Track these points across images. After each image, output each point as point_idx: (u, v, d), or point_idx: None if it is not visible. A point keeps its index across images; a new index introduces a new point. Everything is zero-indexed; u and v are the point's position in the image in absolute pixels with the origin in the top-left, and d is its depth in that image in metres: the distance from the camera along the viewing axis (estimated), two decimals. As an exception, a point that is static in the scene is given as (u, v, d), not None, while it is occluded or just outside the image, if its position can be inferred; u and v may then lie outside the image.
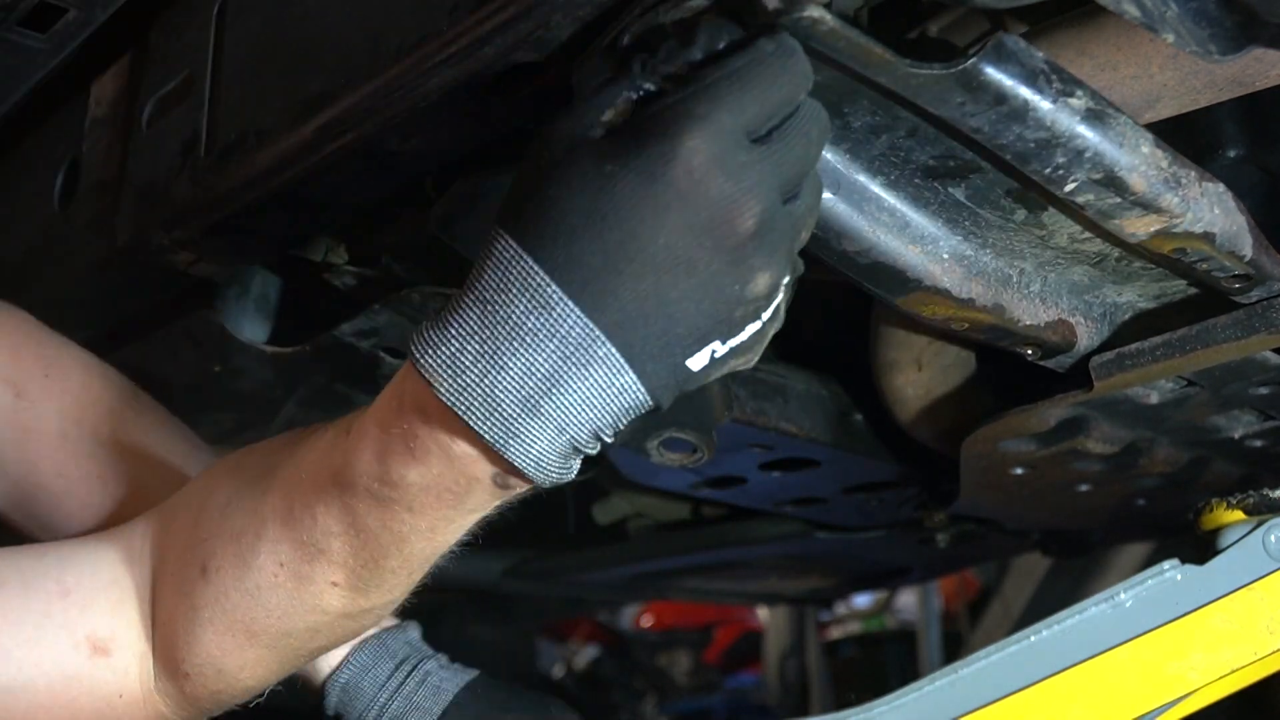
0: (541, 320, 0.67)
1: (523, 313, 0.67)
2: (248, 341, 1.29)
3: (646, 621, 6.43)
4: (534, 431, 0.70)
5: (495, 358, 0.68)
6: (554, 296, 0.67)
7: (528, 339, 0.67)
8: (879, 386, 1.38)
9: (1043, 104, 0.78)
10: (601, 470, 1.65)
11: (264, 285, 1.36)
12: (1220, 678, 1.06)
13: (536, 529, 2.40)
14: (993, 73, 0.76)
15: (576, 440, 0.71)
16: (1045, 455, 1.32)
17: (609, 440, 0.72)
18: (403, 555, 0.83)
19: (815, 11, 0.70)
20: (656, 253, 0.66)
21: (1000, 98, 0.77)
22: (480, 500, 0.78)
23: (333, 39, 0.96)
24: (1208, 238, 0.90)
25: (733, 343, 0.71)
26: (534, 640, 4.00)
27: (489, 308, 0.68)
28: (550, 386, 0.68)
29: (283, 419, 1.46)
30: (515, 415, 0.69)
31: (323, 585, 0.85)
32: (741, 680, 6.25)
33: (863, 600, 5.53)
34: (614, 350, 0.68)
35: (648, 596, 4.26)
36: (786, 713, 5.19)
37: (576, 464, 0.74)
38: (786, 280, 0.72)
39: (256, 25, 1.06)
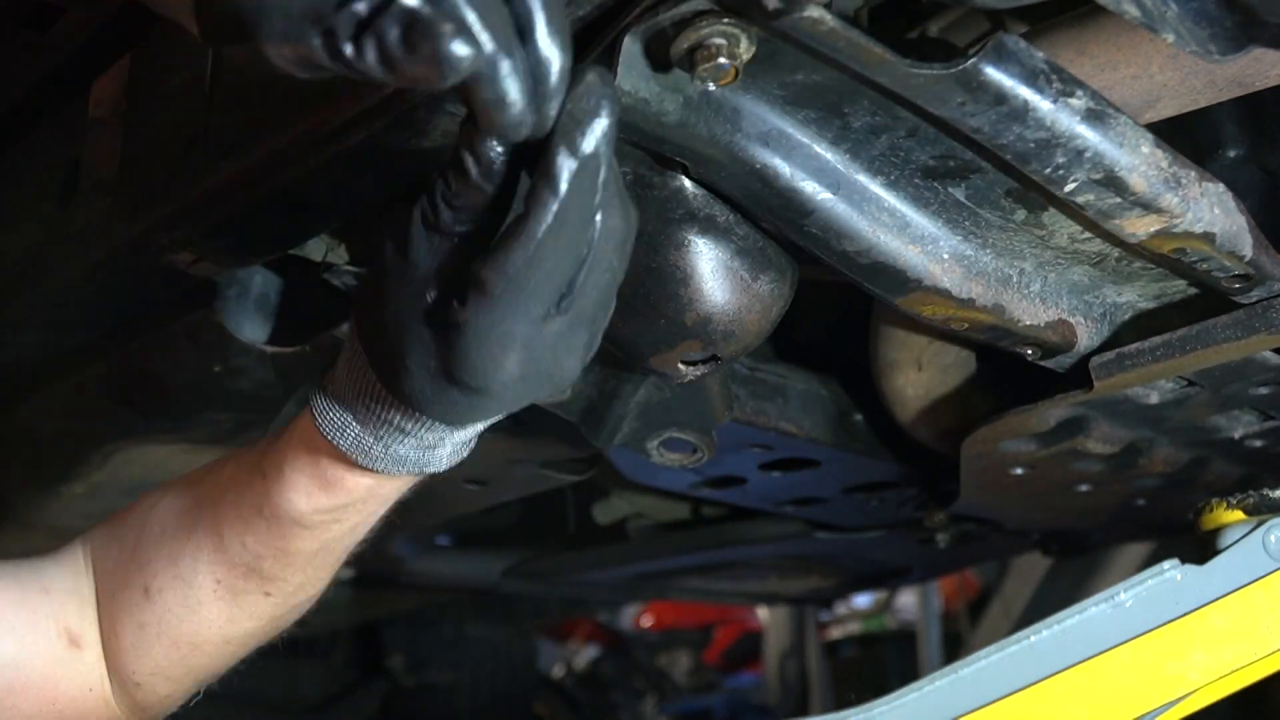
0: (408, 429, 0.83)
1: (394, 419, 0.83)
2: (248, 341, 1.29)
3: (646, 621, 6.43)
4: (438, 457, 0.86)
5: (389, 436, 0.84)
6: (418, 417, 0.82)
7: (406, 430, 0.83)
8: (879, 386, 1.38)
9: (1043, 104, 0.78)
10: (601, 470, 1.65)
11: (264, 285, 1.36)
12: (1220, 678, 1.06)
13: (536, 529, 2.40)
14: (993, 73, 0.76)
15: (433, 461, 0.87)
16: (1045, 455, 1.32)
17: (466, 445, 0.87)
18: (328, 554, 0.96)
19: (815, 11, 0.70)
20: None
21: (1000, 98, 0.77)
22: (399, 490, 0.92)
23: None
24: (1208, 238, 0.90)
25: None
26: (534, 640, 4.00)
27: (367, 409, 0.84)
28: (401, 437, 0.84)
29: (283, 419, 1.46)
30: (418, 459, 0.85)
31: (257, 596, 0.96)
32: (741, 680, 6.25)
33: (863, 600, 5.53)
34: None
35: (648, 596, 4.27)
36: (786, 713, 5.19)
37: (452, 450, 0.87)
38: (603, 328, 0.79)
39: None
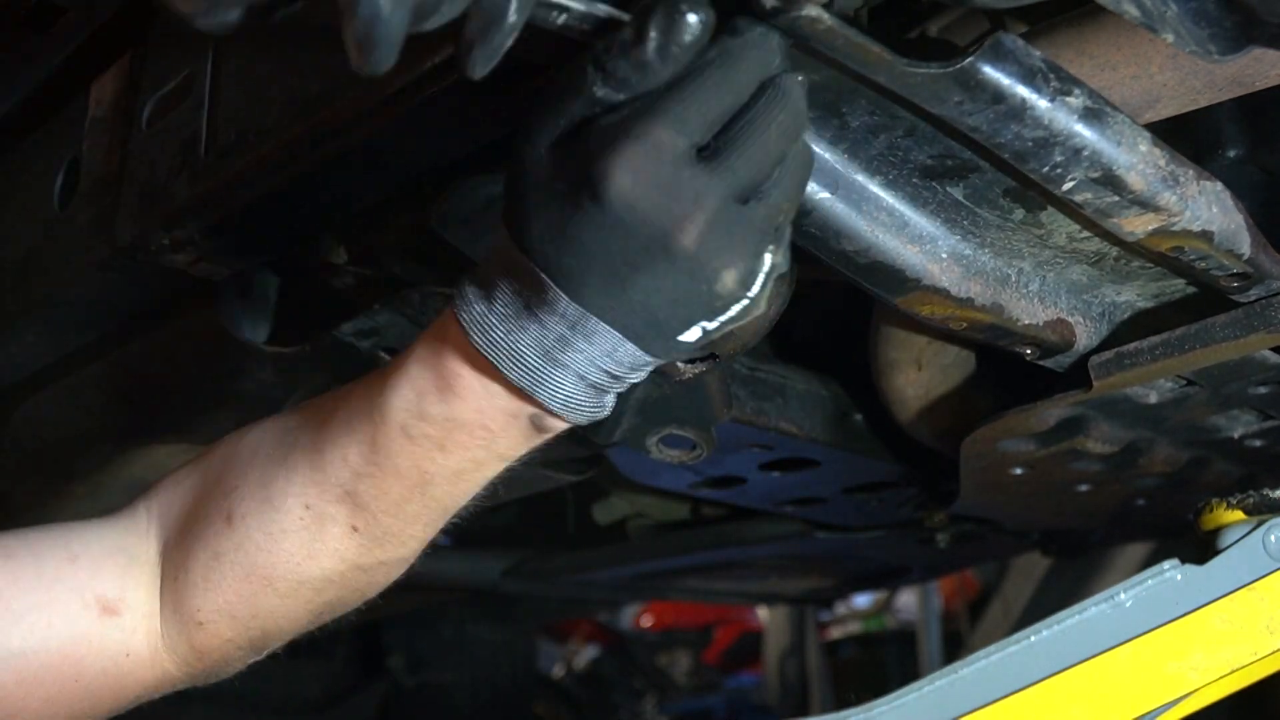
0: (544, 303, 0.75)
1: (529, 296, 0.75)
2: (248, 341, 1.29)
3: (646, 621, 6.43)
4: (556, 377, 0.78)
5: (516, 320, 0.76)
6: (549, 287, 0.74)
7: (537, 314, 0.75)
8: (879, 386, 1.38)
9: (1040, 102, 0.78)
10: (601, 470, 1.65)
11: (264, 285, 1.36)
12: (1220, 678, 1.06)
13: (536, 529, 2.40)
14: (990, 71, 0.76)
15: (598, 383, 0.79)
16: (1045, 455, 1.33)
17: (631, 379, 0.80)
18: (425, 499, 0.88)
19: (813, 10, 0.70)
20: (614, 264, 0.72)
21: (998, 96, 0.77)
22: (512, 442, 0.85)
23: (332, 39, 0.96)
24: (1205, 236, 0.90)
25: (721, 319, 0.76)
26: (534, 640, 4.00)
27: (503, 287, 0.77)
28: (563, 347, 0.76)
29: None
30: (537, 365, 0.77)
31: (344, 529, 0.90)
32: (741, 680, 6.25)
33: (863, 600, 5.53)
34: (609, 327, 0.75)
35: (648, 596, 4.27)
36: (786, 713, 5.19)
37: (610, 399, 0.81)
38: (764, 268, 0.75)
39: (256, 25, 1.06)
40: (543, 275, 0.74)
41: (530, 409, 0.81)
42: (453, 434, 0.84)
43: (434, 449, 0.85)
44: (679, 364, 0.97)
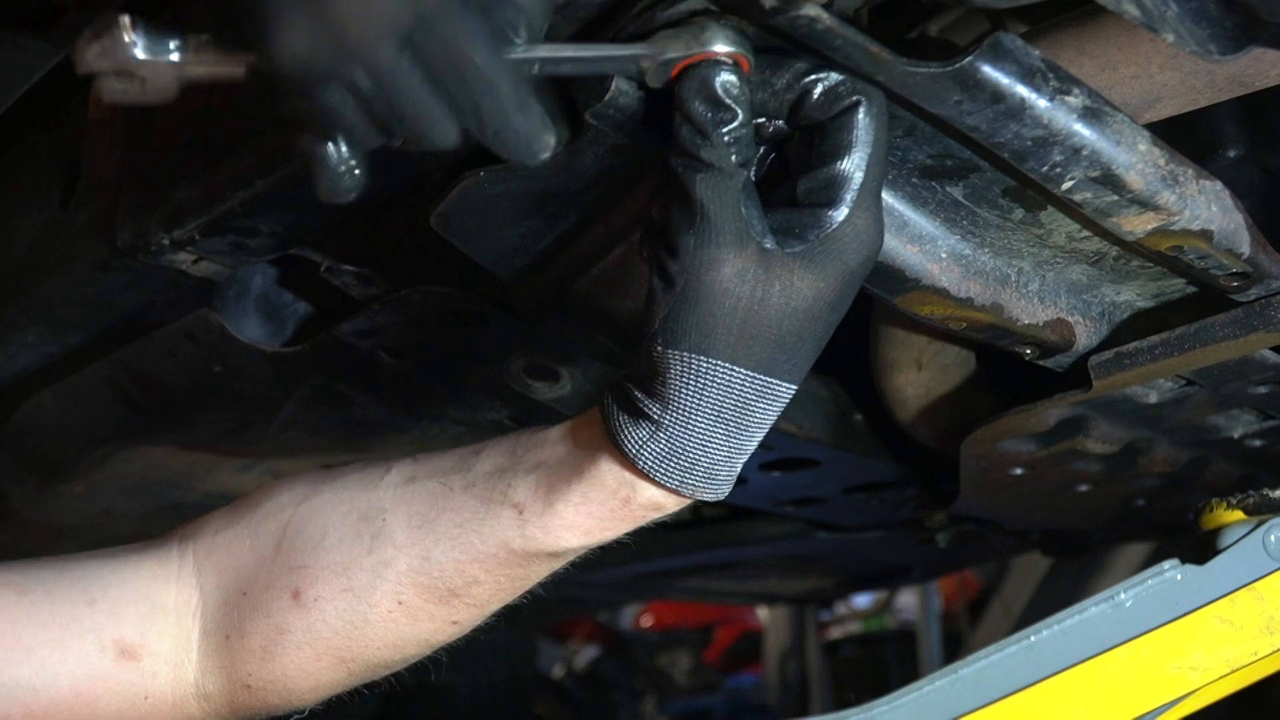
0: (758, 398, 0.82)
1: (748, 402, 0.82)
2: (248, 341, 1.29)
3: (646, 621, 6.43)
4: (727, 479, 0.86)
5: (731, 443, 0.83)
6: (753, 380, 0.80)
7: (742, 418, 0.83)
8: (879, 386, 1.38)
9: (1039, 102, 0.78)
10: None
11: (264, 285, 1.36)
12: (1220, 678, 1.06)
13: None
14: (989, 71, 0.76)
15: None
16: (1045, 455, 1.32)
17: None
18: (532, 584, 0.93)
19: (812, 10, 0.70)
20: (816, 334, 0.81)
21: (997, 96, 0.77)
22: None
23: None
24: (1205, 235, 0.90)
25: None
26: (534, 640, 4.00)
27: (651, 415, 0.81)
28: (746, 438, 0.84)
29: (283, 419, 1.46)
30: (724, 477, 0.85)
31: (442, 624, 0.92)
32: (741, 680, 6.25)
33: (863, 600, 5.53)
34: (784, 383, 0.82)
35: (648, 596, 4.26)
36: (786, 713, 5.19)
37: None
38: None
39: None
40: (753, 376, 0.80)
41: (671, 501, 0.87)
42: (584, 548, 0.90)
43: (571, 555, 0.91)
44: None
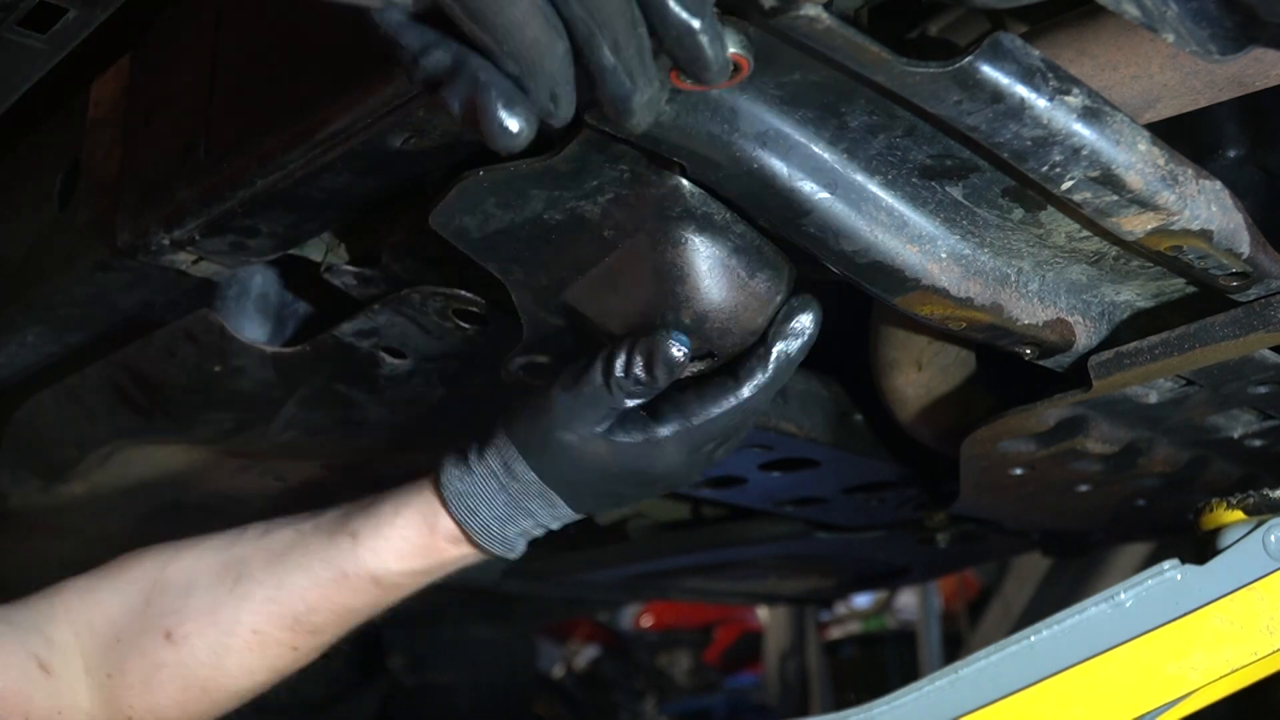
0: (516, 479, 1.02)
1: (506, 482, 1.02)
2: (248, 341, 1.29)
3: (646, 621, 6.43)
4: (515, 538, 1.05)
5: (492, 498, 1.03)
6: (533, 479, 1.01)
7: (509, 491, 1.02)
8: (879, 386, 1.38)
9: (1039, 101, 0.78)
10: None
11: (264, 285, 1.36)
12: (1220, 678, 1.06)
13: (536, 529, 2.39)
14: (989, 70, 0.76)
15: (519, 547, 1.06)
16: (1044, 455, 1.32)
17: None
18: (363, 621, 1.09)
19: (812, 10, 0.70)
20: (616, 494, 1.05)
21: (996, 95, 0.77)
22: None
23: (332, 39, 0.96)
24: (1205, 235, 0.90)
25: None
26: (534, 640, 4.00)
27: (483, 473, 1.02)
28: (521, 524, 1.04)
29: (283, 419, 1.46)
30: (508, 535, 1.04)
31: (286, 649, 1.07)
32: (741, 680, 6.25)
33: (863, 600, 5.53)
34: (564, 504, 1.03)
35: (648, 596, 4.26)
36: (786, 713, 5.19)
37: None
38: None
39: (256, 25, 1.06)
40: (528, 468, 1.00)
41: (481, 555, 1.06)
42: (425, 577, 1.07)
43: (402, 587, 1.07)
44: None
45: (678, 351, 0.93)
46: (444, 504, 1.03)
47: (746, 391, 0.97)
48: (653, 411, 0.99)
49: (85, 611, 1.09)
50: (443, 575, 1.08)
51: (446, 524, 1.03)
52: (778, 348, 0.97)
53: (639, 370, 0.95)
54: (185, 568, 1.09)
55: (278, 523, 1.10)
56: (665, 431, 0.98)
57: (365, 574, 1.05)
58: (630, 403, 0.97)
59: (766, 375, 0.97)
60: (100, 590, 1.10)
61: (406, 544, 1.04)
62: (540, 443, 0.99)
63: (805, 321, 0.98)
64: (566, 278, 0.99)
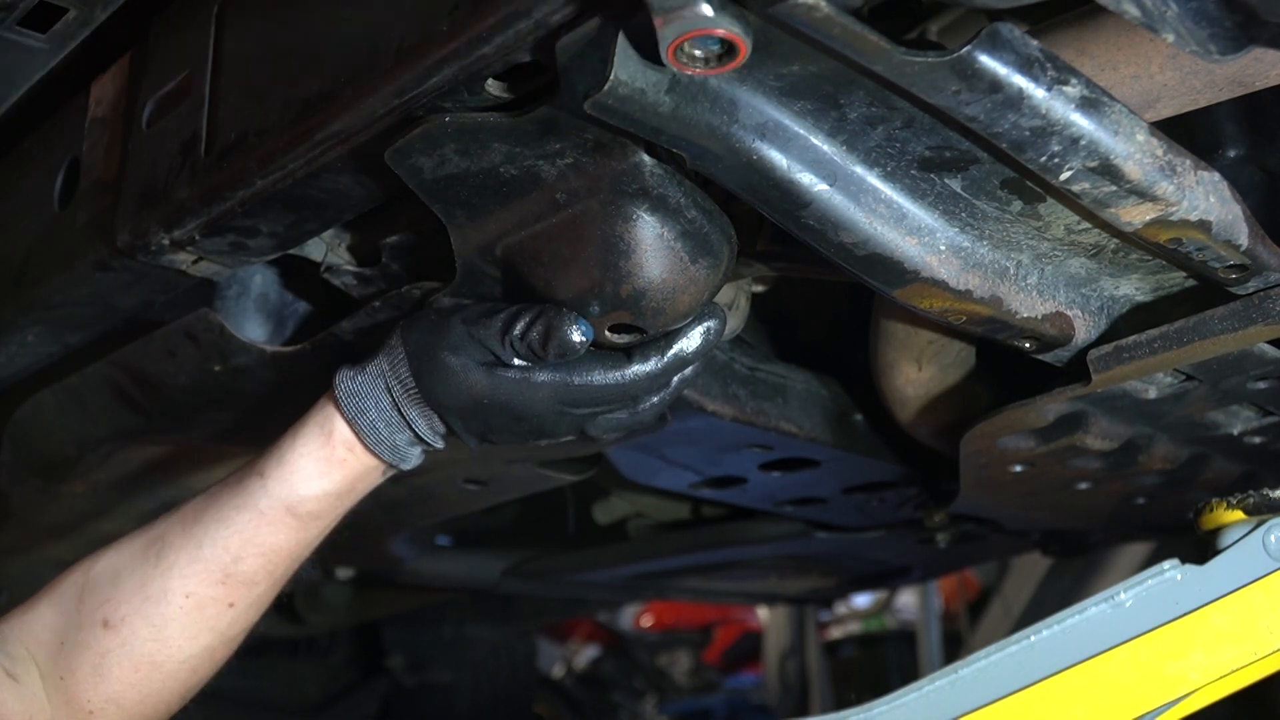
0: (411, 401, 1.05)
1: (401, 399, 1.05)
2: (248, 341, 1.29)
3: (646, 621, 6.43)
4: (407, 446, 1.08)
5: (387, 412, 1.06)
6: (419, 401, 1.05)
7: (401, 410, 1.05)
8: (879, 386, 1.38)
9: (1037, 91, 0.78)
10: (601, 470, 1.65)
11: (264, 285, 1.36)
12: (1220, 678, 1.06)
13: (536, 529, 2.40)
14: (987, 60, 0.76)
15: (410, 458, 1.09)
16: (1044, 452, 1.33)
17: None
18: (292, 565, 1.11)
19: None
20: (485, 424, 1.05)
21: (995, 85, 0.77)
22: (367, 488, 1.10)
23: (332, 38, 0.96)
24: (1203, 226, 0.90)
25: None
26: (534, 640, 4.00)
27: (380, 394, 1.06)
28: (404, 432, 1.07)
29: (283, 419, 1.46)
30: (403, 452, 1.08)
31: (221, 607, 1.09)
32: (741, 680, 6.26)
33: (863, 600, 5.53)
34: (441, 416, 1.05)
35: (648, 596, 4.27)
36: (786, 713, 5.19)
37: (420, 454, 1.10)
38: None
39: (256, 25, 1.06)
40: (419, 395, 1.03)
41: (387, 469, 1.09)
42: (338, 499, 1.08)
43: (319, 516, 1.08)
44: (606, 333, 1.00)
45: (577, 337, 0.96)
46: (337, 405, 1.05)
47: (630, 373, 0.99)
48: None
49: (28, 627, 1.13)
50: (355, 498, 1.10)
51: (341, 428, 1.06)
52: (677, 345, 0.99)
53: (534, 339, 0.97)
54: (109, 562, 1.12)
55: (191, 499, 1.13)
56: (543, 377, 1.00)
57: (279, 506, 1.07)
58: (516, 361, 1.00)
59: (656, 366, 1.00)
60: (37, 606, 1.14)
61: (308, 461, 1.06)
62: (427, 357, 1.01)
63: (709, 327, 1.00)
64: (509, 231, 0.99)
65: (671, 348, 1.00)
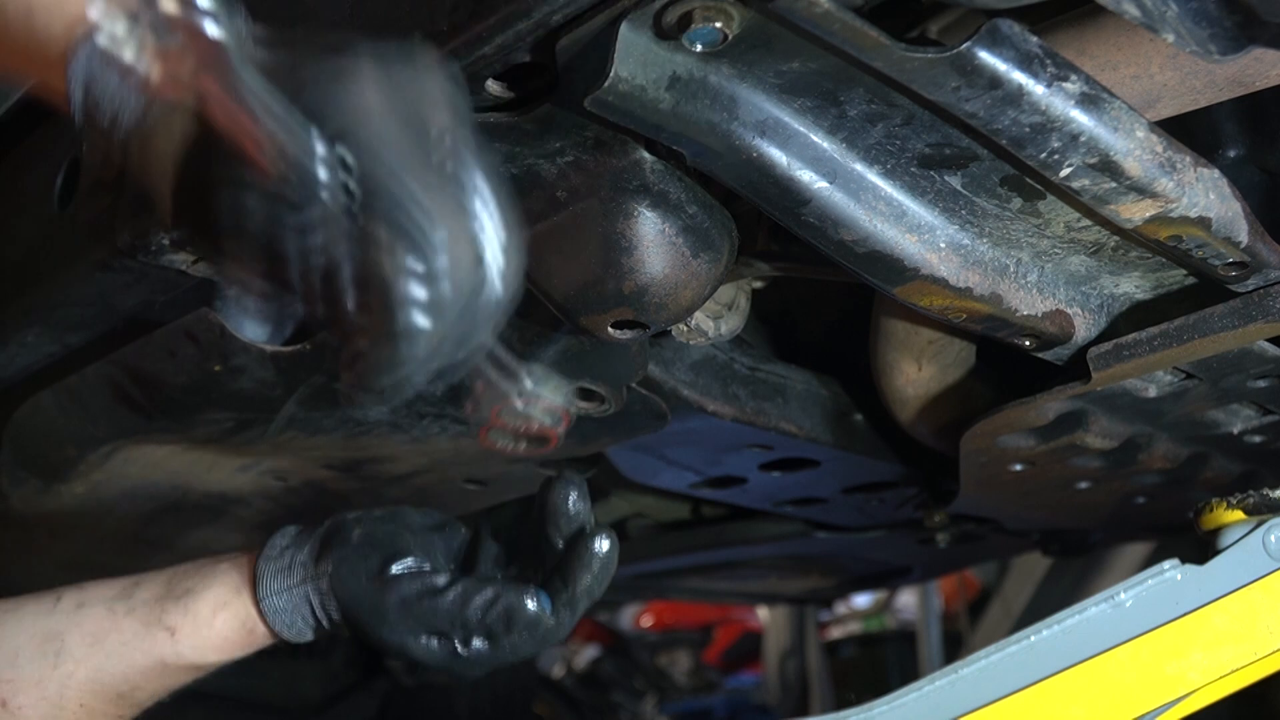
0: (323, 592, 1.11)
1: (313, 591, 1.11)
2: (248, 341, 1.29)
3: (646, 621, 6.43)
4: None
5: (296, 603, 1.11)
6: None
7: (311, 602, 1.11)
8: (879, 386, 1.38)
9: (1037, 88, 0.78)
10: (601, 470, 1.65)
11: (264, 285, 1.35)
12: (1220, 678, 1.06)
13: (536, 529, 2.39)
14: (987, 56, 0.76)
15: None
16: (1044, 450, 1.33)
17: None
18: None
19: None
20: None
21: (995, 81, 0.77)
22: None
23: (331, 39, 0.96)
24: (1203, 223, 0.90)
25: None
26: (534, 640, 3.99)
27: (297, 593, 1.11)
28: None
29: (283, 419, 1.46)
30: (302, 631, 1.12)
31: (112, 718, 1.14)
32: (741, 680, 6.25)
33: (863, 600, 5.53)
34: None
35: (648, 596, 4.26)
36: (786, 713, 5.18)
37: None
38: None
39: (255, 25, 1.06)
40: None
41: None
42: (239, 656, 1.13)
43: (216, 666, 1.13)
44: (609, 329, 1.00)
45: (534, 607, 1.00)
46: (261, 616, 1.11)
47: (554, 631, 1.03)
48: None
49: None
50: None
51: (264, 631, 1.12)
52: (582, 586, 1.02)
53: (495, 622, 1.01)
54: (6, 635, 1.16)
55: (90, 595, 1.16)
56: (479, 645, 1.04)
57: (185, 664, 1.12)
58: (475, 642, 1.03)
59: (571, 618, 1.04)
60: None
61: (225, 642, 1.12)
62: (359, 619, 1.07)
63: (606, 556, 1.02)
64: None
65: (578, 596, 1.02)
